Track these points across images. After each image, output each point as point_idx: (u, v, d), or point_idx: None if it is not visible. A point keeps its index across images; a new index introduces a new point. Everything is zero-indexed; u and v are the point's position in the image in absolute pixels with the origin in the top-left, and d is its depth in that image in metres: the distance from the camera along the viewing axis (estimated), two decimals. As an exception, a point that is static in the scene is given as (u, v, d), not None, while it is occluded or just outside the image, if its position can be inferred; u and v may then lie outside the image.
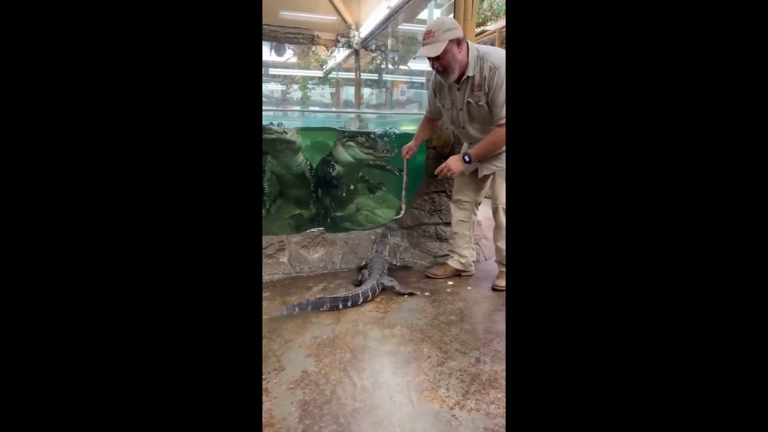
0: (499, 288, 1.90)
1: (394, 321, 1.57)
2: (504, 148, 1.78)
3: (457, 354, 1.34)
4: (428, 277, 2.06)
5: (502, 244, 1.89)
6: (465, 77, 1.73)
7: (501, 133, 1.69)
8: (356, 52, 4.83)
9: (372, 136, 2.67)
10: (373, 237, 2.31)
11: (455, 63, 1.68)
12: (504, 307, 1.70)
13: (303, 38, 4.32)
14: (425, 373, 1.22)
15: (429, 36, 1.65)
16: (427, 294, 1.84)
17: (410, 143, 2.11)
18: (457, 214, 2.07)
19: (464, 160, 1.81)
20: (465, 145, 2.05)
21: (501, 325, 1.54)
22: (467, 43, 1.72)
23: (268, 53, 4.56)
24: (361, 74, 5.14)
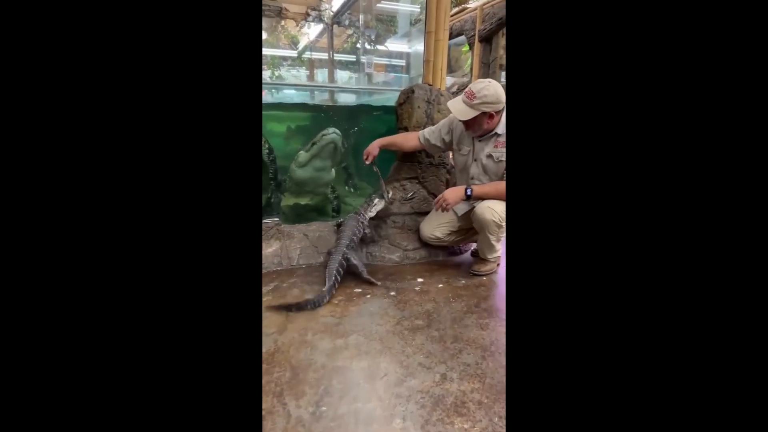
0: (477, 273, 1.82)
1: (350, 328, 1.34)
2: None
3: (419, 369, 1.12)
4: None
5: (491, 233, 1.74)
6: (492, 133, 1.73)
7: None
8: (329, 28, 4.49)
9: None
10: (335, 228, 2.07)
11: (479, 129, 1.71)
12: (477, 308, 1.50)
13: (269, 11, 3.95)
14: (379, 398, 1.00)
15: (469, 96, 1.62)
16: (392, 294, 1.62)
17: (376, 143, 1.95)
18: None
19: (466, 194, 1.70)
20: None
21: (473, 332, 1.33)
22: (504, 110, 1.69)
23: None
24: (335, 54, 4.81)
